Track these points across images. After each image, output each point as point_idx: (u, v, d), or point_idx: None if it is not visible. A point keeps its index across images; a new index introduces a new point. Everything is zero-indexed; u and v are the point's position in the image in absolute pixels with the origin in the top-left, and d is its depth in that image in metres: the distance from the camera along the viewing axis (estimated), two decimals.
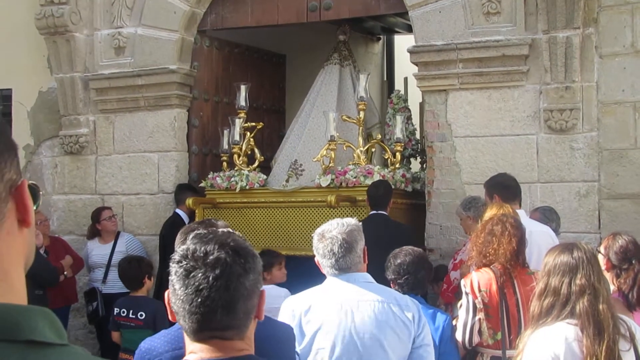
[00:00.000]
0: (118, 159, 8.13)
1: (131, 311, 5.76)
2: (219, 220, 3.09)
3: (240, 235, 1.99)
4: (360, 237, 3.48)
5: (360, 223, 3.61)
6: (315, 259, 3.52)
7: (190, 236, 1.90)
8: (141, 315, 5.73)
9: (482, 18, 6.68)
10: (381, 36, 10.58)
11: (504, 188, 5.51)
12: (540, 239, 5.01)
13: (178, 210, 7.56)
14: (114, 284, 7.56)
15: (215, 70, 8.43)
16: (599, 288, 3.10)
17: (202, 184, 7.72)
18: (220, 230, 1.98)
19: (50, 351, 0.99)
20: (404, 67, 8.67)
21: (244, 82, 7.88)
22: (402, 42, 9.63)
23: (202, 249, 1.81)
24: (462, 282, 4.26)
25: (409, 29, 8.12)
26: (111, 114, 8.16)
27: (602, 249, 4.27)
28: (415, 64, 6.96)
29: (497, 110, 6.67)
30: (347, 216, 6.00)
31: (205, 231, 1.93)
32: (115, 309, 5.92)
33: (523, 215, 5.39)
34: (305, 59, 9.78)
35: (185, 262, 1.81)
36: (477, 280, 4.15)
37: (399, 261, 4.34)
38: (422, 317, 3.47)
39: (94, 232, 7.78)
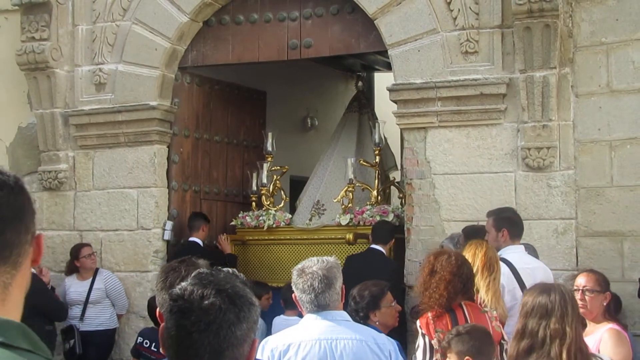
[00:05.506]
0: (97, 195, 8.08)
1: (154, 344, 5.85)
2: (200, 259, 3.10)
3: (244, 278, 1.95)
4: (339, 274, 3.50)
5: (339, 261, 3.63)
6: (293, 295, 3.53)
7: (193, 274, 1.88)
8: None
9: (461, 57, 6.76)
10: (361, 73, 10.67)
11: (514, 224, 5.58)
12: (541, 275, 5.07)
13: (193, 238, 7.81)
14: (92, 322, 7.50)
15: (196, 107, 8.45)
16: (570, 332, 3.12)
17: (232, 223, 8.35)
18: (225, 270, 1.94)
19: (9, 352, 1.26)
20: (384, 103, 8.76)
21: (271, 129, 8.56)
22: (383, 79, 9.72)
23: (200, 291, 1.79)
24: (418, 322, 4.18)
25: (388, 67, 8.21)
26: (91, 149, 8.13)
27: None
28: (395, 101, 7.03)
29: (476, 148, 6.73)
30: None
31: (207, 272, 1.89)
32: (139, 338, 6.02)
33: (521, 250, 5.44)
34: (286, 96, 9.84)
35: (180, 302, 1.79)
36: (433, 321, 4.10)
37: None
38: (399, 356, 3.48)
39: (72, 269, 7.70)
